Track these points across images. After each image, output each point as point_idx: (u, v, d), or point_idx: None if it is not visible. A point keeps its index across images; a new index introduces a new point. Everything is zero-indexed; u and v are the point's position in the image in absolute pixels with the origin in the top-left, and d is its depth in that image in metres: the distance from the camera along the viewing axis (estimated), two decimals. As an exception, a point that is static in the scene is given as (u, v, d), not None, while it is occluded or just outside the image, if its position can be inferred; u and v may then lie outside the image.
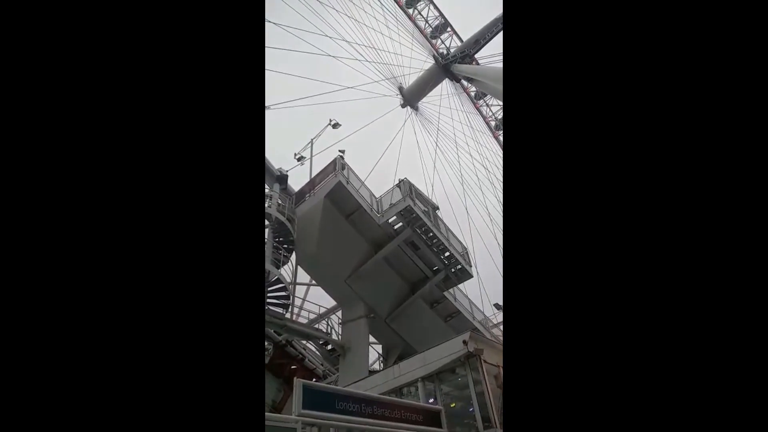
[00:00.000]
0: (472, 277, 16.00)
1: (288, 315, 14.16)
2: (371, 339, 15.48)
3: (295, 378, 5.73)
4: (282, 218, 13.65)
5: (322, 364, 15.80)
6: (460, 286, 16.87)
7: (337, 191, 13.56)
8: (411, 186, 14.60)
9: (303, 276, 16.78)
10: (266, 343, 13.78)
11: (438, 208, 15.96)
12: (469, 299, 18.05)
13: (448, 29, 26.85)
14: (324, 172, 14.70)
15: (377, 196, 14.78)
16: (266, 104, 15.94)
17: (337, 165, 14.15)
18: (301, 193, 15.33)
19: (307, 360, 14.98)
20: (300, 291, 17.31)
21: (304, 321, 15.89)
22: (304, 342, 15.32)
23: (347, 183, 13.72)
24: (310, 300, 17.86)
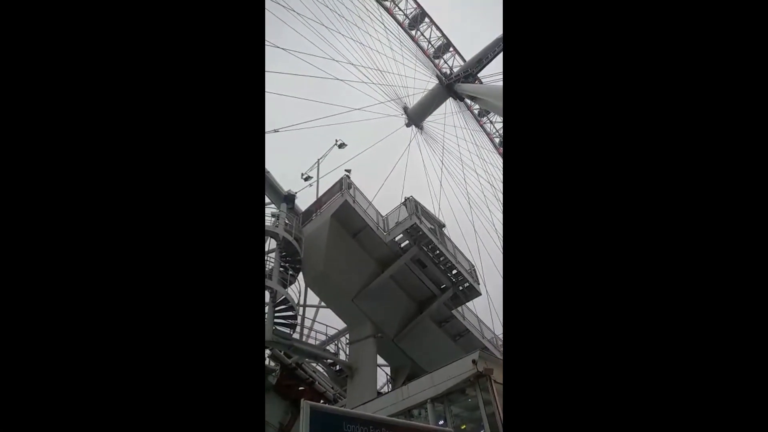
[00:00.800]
0: (480, 294, 15.80)
1: (296, 335, 14.06)
2: (379, 360, 15.26)
3: (302, 400, 5.66)
4: (289, 238, 13.73)
5: (332, 388, 15.54)
6: (469, 304, 16.64)
7: (343, 210, 13.60)
8: (417, 204, 14.61)
9: (313, 299, 16.72)
10: (274, 365, 13.66)
11: (444, 226, 15.92)
12: (477, 317, 17.77)
13: (451, 49, 27.33)
14: (330, 192, 14.80)
15: (383, 215, 14.81)
16: (275, 127, 16.27)
17: (344, 184, 14.25)
18: (308, 213, 15.41)
19: (317, 383, 14.77)
20: (309, 313, 17.21)
21: (314, 343, 15.72)
22: (314, 365, 15.13)
23: (354, 202, 13.77)
24: (320, 321, 17.74)
